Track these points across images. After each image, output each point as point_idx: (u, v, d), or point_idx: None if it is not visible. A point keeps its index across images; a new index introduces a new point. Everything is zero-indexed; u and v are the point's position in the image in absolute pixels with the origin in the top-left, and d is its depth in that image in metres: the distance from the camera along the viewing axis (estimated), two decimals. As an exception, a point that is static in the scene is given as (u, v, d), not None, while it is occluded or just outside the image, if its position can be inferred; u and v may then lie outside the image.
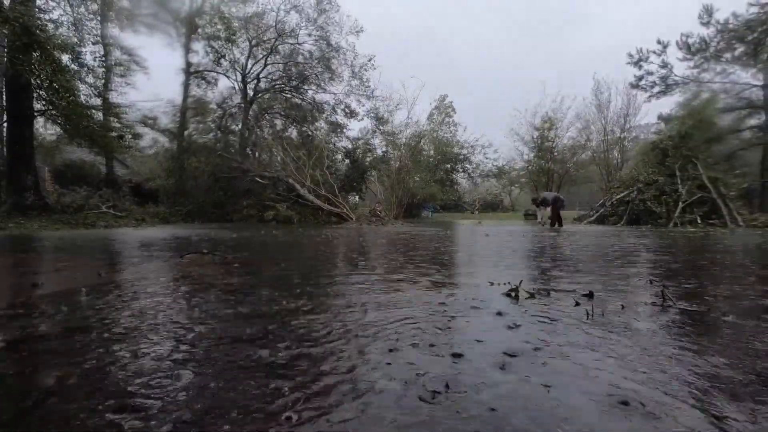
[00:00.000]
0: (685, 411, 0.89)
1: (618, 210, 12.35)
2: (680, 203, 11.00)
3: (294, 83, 18.29)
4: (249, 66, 18.42)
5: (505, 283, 2.35)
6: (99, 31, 11.95)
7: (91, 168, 18.42)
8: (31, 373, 1.12)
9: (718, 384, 1.04)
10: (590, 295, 2.09)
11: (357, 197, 18.87)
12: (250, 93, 18.44)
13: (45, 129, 18.32)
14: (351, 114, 18.89)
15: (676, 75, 17.81)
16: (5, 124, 12.05)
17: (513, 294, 2.10)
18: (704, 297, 2.12)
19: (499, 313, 1.74)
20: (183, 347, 1.31)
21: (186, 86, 17.69)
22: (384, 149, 19.08)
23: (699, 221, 10.33)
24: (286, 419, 0.86)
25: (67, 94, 9.89)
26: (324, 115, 18.90)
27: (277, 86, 18.70)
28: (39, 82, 10.19)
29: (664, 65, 17.79)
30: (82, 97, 11.00)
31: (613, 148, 23.55)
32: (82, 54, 10.61)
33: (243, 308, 1.82)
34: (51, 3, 11.44)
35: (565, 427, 0.82)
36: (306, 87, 18.47)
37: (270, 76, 18.77)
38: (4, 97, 13.25)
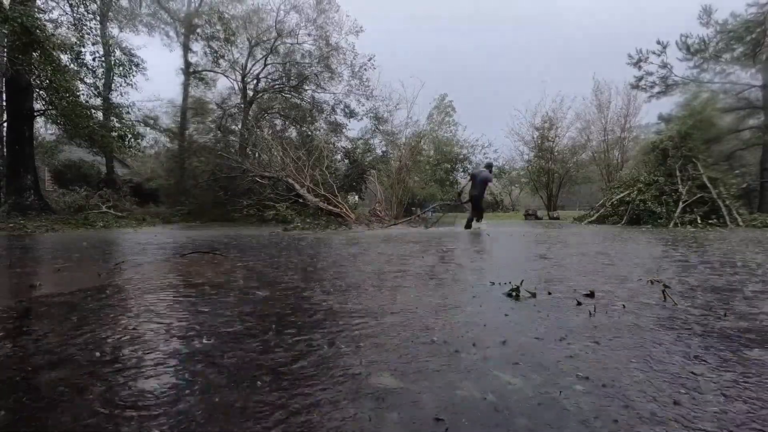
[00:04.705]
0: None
1: (618, 210, 12.35)
2: (680, 203, 11.00)
3: (293, 83, 18.29)
4: (248, 66, 18.43)
5: (506, 283, 2.35)
6: (99, 31, 11.94)
7: (91, 168, 18.43)
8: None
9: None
10: (591, 295, 2.09)
11: (357, 197, 18.86)
12: (250, 93, 18.45)
13: (45, 129, 18.33)
14: (351, 114, 18.89)
15: (675, 75, 17.81)
16: (5, 124, 12.04)
17: (514, 294, 2.10)
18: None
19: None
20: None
21: (186, 86, 17.72)
22: (384, 149, 19.08)
23: (699, 221, 10.33)
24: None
25: (67, 94, 9.87)
26: (323, 115, 18.90)
27: (277, 86, 18.69)
28: (39, 82, 10.18)
29: (664, 65, 17.79)
30: (82, 97, 10.98)
31: (613, 148, 23.49)
32: (82, 54, 10.59)
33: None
34: (51, 3, 11.43)
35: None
36: (305, 87, 18.48)
37: (270, 76, 18.78)
38: (4, 97, 13.24)
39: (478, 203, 8.75)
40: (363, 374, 1.08)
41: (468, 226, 8.76)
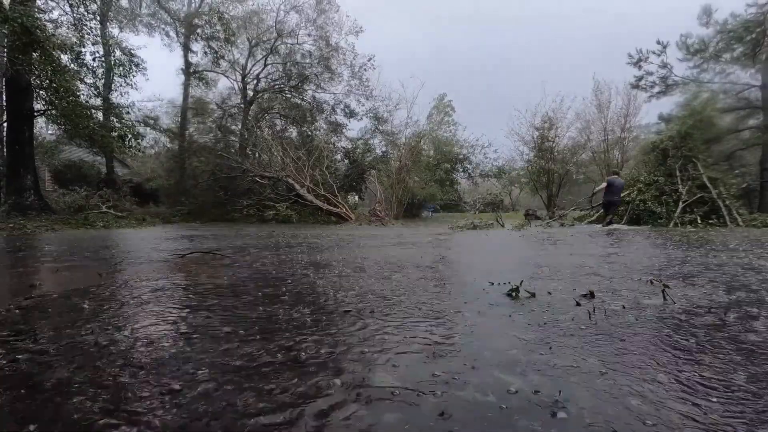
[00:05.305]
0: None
1: (618, 210, 12.36)
2: (680, 203, 11.01)
3: (293, 83, 18.31)
4: (249, 66, 18.47)
5: (505, 283, 2.35)
6: (99, 31, 11.95)
7: (91, 168, 18.44)
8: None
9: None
10: (591, 295, 2.10)
11: (357, 197, 18.87)
12: (250, 93, 18.47)
13: (45, 129, 18.34)
14: (350, 114, 18.92)
15: (675, 75, 17.82)
16: (5, 124, 12.04)
17: (514, 294, 2.10)
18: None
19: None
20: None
21: (186, 86, 17.75)
22: (384, 149, 19.09)
23: (699, 221, 10.34)
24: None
25: (67, 95, 9.87)
26: (323, 115, 18.93)
27: (277, 86, 18.72)
28: (39, 82, 10.19)
29: (664, 65, 17.80)
30: (83, 98, 10.98)
31: (613, 148, 23.48)
32: (82, 54, 10.59)
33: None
34: (51, 3, 11.44)
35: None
36: (306, 87, 18.50)
37: (270, 76, 18.81)
38: (4, 97, 13.24)
39: (615, 207, 10.34)
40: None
41: (607, 224, 10.05)
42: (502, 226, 10.26)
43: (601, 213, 12.93)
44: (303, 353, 1.25)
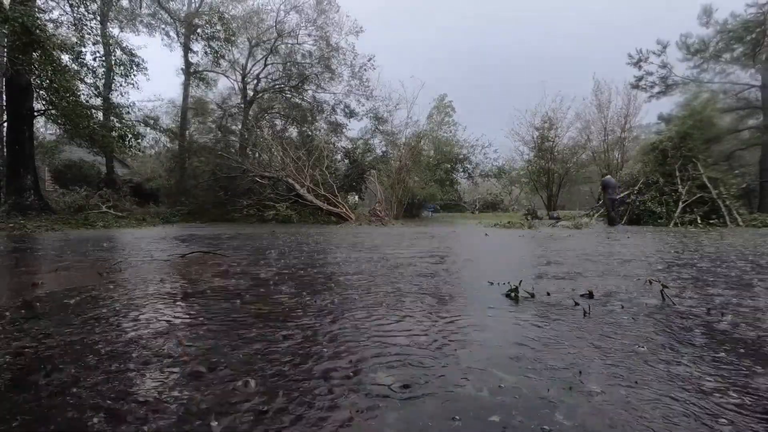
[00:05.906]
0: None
1: (618, 210, 12.37)
2: (680, 203, 11.02)
3: (294, 83, 18.31)
4: (249, 66, 18.47)
5: (504, 283, 2.35)
6: (99, 31, 11.94)
7: (91, 168, 18.43)
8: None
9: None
10: (590, 295, 2.10)
11: (357, 197, 18.86)
12: (250, 93, 18.48)
13: (45, 129, 18.34)
14: (351, 114, 18.92)
15: (675, 75, 17.86)
16: (5, 124, 12.04)
17: (513, 294, 2.10)
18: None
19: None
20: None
21: (186, 86, 17.74)
22: (384, 149, 19.08)
23: (699, 221, 10.35)
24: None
25: (68, 94, 9.86)
26: (324, 115, 18.93)
27: (277, 86, 18.72)
28: (39, 82, 10.18)
29: (664, 66, 17.84)
30: (83, 97, 10.97)
31: (613, 148, 23.51)
32: (82, 54, 10.59)
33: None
34: (51, 3, 11.44)
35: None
36: (306, 87, 18.50)
37: (270, 76, 18.81)
38: (4, 97, 13.24)
39: (618, 204, 11.29)
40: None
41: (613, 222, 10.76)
42: (530, 227, 10.10)
43: (600, 213, 12.95)
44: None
